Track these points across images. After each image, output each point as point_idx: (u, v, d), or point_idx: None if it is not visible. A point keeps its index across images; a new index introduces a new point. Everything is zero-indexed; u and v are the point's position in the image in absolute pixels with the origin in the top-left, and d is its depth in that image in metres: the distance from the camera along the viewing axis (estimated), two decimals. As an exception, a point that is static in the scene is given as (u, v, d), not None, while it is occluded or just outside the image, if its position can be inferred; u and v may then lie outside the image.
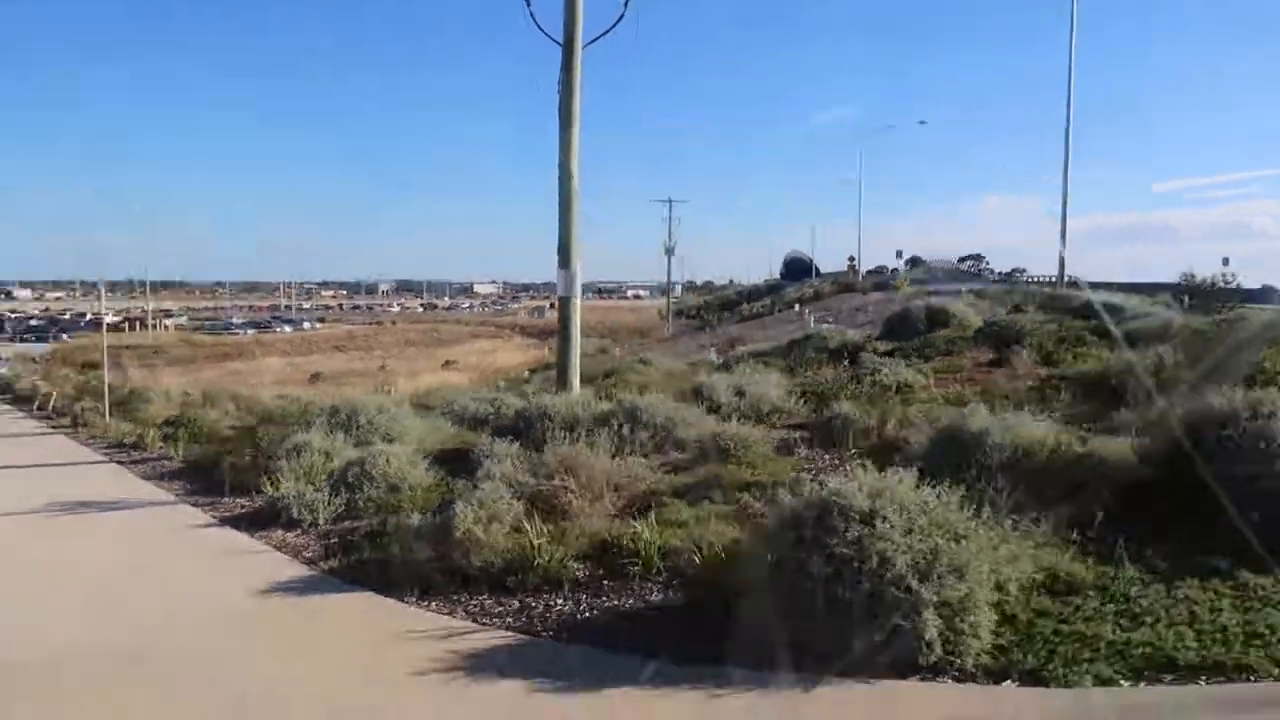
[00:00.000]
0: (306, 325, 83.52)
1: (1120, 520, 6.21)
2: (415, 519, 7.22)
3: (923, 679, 4.69)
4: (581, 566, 6.70)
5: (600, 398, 11.83)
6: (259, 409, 16.68)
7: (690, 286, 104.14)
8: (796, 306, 44.09)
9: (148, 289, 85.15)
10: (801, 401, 12.06)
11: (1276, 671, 4.50)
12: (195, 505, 9.89)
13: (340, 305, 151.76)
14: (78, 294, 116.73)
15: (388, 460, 9.26)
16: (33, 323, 70.20)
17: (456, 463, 9.84)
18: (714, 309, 57.30)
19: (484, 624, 5.92)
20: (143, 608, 6.53)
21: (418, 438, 11.45)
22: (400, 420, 11.90)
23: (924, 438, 8.12)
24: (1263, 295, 28.78)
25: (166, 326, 71.62)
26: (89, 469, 12.85)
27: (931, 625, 4.64)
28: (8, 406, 23.20)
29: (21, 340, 61.01)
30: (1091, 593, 5.34)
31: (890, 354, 17.82)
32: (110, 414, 17.60)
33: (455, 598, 6.35)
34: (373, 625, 5.96)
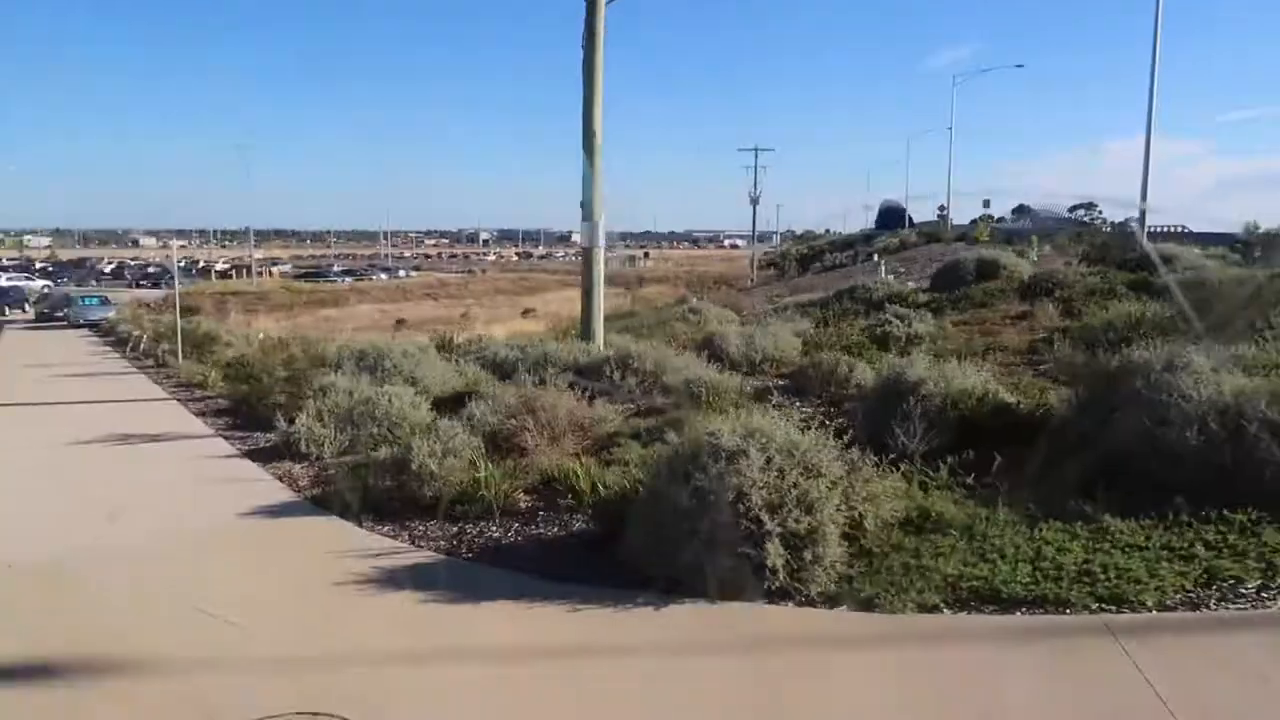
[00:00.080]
0: (402, 273, 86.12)
1: (1022, 466, 6.45)
2: (383, 452, 7.93)
3: (770, 603, 5.14)
4: (529, 499, 7.35)
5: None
6: (313, 353, 17.80)
7: (789, 236, 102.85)
8: (875, 256, 43.37)
9: (251, 237, 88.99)
10: (802, 353, 12.36)
11: (1094, 606, 4.78)
12: (227, 439, 10.93)
13: (440, 254, 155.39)
14: (195, 242, 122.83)
15: (390, 401, 10.04)
16: (149, 270, 74.39)
17: (461, 404, 10.53)
18: (793, 259, 56.62)
19: (420, 546, 6.59)
20: (142, 525, 7.46)
21: (440, 381, 12.27)
22: (423, 365, 12.75)
23: (872, 385, 8.41)
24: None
25: (272, 273, 74.91)
26: (151, 405, 14.16)
27: (775, 554, 5.08)
28: (108, 348, 25.28)
29: (138, 286, 64.97)
30: (955, 532, 5.65)
31: (927, 305, 17.81)
32: (187, 355, 19.09)
33: (406, 524, 7.06)
34: (323, 544, 6.69)
